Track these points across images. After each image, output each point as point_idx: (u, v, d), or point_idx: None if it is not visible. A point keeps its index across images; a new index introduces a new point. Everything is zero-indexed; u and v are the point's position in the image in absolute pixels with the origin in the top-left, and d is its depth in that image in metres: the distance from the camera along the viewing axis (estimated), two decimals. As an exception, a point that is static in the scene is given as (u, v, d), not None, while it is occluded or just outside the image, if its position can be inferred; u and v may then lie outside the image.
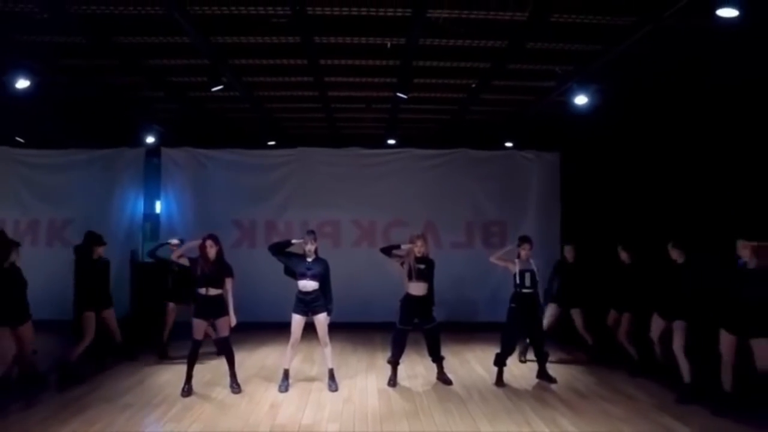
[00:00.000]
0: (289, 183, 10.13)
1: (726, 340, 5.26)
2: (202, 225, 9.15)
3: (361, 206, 9.97)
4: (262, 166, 10.17)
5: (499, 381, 6.26)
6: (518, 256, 6.41)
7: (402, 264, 6.27)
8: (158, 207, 10.34)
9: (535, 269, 6.34)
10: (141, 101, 8.75)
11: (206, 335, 6.36)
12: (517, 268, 6.30)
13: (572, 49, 6.18)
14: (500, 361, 6.31)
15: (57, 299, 8.62)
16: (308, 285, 6.03)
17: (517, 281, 6.27)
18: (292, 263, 6.18)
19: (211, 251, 6.00)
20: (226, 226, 9.65)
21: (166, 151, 10.12)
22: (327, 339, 6.13)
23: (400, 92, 6.71)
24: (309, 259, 6.11)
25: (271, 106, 8.76)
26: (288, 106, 8.77)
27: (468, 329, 8.57)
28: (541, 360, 6.42)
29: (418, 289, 6.21)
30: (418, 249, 6.22)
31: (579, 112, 7.32)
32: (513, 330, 6.32)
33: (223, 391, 6.02)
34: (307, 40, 5.97)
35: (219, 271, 6.03)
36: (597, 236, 8.51)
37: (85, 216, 9.83)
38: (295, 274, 6.13)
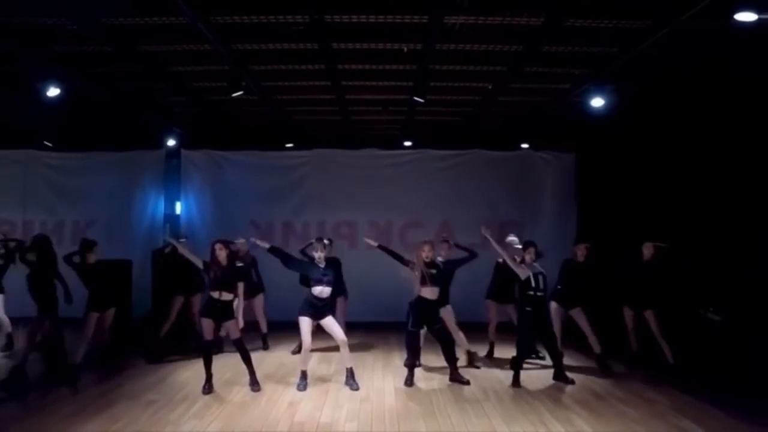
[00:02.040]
0: (306, 184, 10.21)
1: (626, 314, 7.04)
2: (221, 225, 9.36)
3: (377, 207, 10.01)
4: (279, 167, 10.26)
5: (516, 382, 6.30)
6: (523, 261, 6.41)
7: (413, 270, 6.32)
8: (178, 208, 10.49)
9: (544, 271, 6.36)
10: (162, 106, 8.97)
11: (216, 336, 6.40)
12: (529, 272, 6.32)
13: (588, 51, 6.21)
14: (517, 365, 6.35)
15: (81, 298, 8.88)
16: (324, 291, 6.10)
17: (532, 284, 6.28)
18: (306, 270, 6.26)
19: (221, 254, 6.10)
20: (243, 227, 9.75)
21: (185, 153, 10.26)
22: (344, 338, 6.19)
23: (417, 96, 6.78)
24: (322, 265, 6.18)
25: (289, 109, 8.92)
26: (305, 108, 8.93)
27: (483, 329, 8.57)
28: (557, 361, 6.45)
29: (431, 293, 6.29)
30: (426, 254, 6.27)
31: (596, 113, 7.32)
32: (528, 333, 6.34)
33: (242, 390, 6.14)
34: (324, 46, 6.09)
35: (231, 275, 6.13)
36: (614, 236, 8.48)
37: (107, 217, 10.09)
38: (309, 281, 6.18)
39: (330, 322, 6.16)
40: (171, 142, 9.77)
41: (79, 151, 10.30)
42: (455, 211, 10.09)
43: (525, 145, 9.78)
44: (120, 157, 10.28)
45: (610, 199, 9.50)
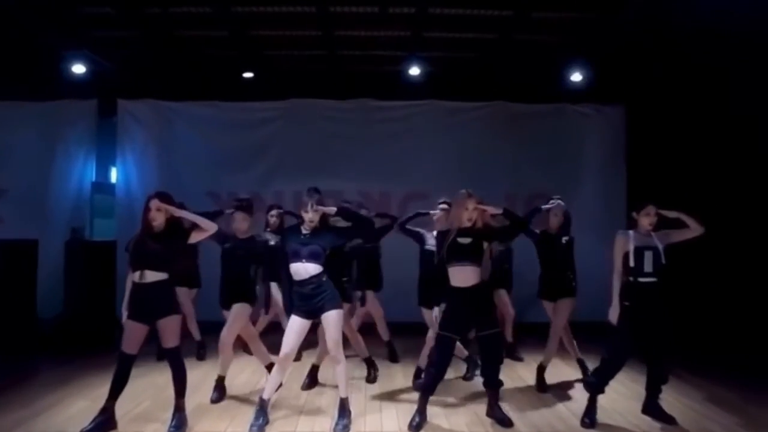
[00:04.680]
0: (279, 144, 8.25)
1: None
2: (169, 198, 7.22)
3: (370, 173, 8.12)
4: (245, 122, 8.28)
5: (590, 415, 4.06)
6: (635, 227, 4.16)
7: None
8: (114, 175, 8.38)
9: (661, 246, 4.04)
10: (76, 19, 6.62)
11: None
12: (631, 245, 4.05)
13: None
14: (597, 388, 4.10)
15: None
16: (300, 270, 3.95)
17: (632, 264, 4.01)
18: (285, 243, 4.16)
19: (157, 217, 3.86)
20: (199, 200, 7.58)
21: (123, 104, 8.24)
22: (340, 351, 4.03)
23: None
24: (305, 232, 4.03)
25: (243, 11, 6.42)
26: (268, 10, 6.42)
27: (515, 333, 6.37)
28: (655, 387, 4.16)
29: (460, 277, 4.02)
30: (468, 215, 4.05)
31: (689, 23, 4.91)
32: (624, 340, 4.03)
33: (160, 429, 3.90)
34: None
35: (165, 245, 3.89)
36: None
37: (21, 185, 7.98)
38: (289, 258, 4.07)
39: (331, 321, 3.97)
40: (80, 67, 7.07)
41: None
42: (471, 179, 7.83)
43: (577, 77, 7.27)
44: (38, 108, 8.08)
45: (672, 162, 7.53)
